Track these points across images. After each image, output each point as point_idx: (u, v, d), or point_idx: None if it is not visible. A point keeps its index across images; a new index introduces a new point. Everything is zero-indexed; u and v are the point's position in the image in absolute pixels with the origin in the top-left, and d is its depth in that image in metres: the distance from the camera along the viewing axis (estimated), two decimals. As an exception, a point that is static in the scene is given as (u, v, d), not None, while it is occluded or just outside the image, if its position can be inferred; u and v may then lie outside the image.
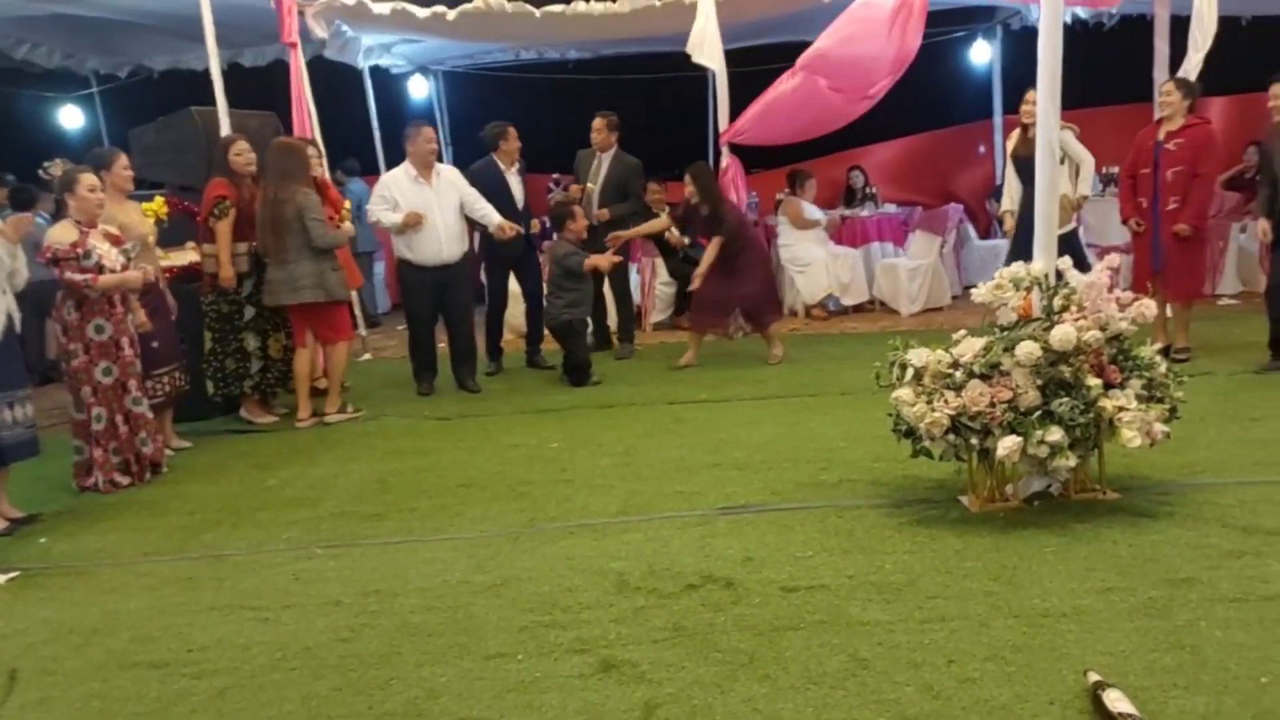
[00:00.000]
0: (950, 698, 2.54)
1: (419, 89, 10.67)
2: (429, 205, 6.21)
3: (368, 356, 7.92)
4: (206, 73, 6.83)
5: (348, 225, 6.17)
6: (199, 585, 3.61)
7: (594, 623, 3.09)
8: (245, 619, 3.29)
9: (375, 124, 9.37)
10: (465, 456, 5.05)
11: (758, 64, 8.46)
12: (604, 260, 6.50)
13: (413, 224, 6.15)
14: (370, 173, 8.92)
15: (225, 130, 6.54)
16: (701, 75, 8.64)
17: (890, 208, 9.63)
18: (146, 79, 9.61)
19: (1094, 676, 2.49)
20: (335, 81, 8.87)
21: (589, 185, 7.28)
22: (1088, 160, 6.31)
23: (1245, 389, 5.35)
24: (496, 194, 6.73)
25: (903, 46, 6.74)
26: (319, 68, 8.16)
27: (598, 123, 7.24)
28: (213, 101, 6.63)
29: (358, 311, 8.03)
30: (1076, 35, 8.13)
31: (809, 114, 7.35)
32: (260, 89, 8.04)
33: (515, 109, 8.07)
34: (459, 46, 9.94)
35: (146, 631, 3.24)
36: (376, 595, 3.40)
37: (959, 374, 3.68)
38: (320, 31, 7.22)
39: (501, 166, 6.94)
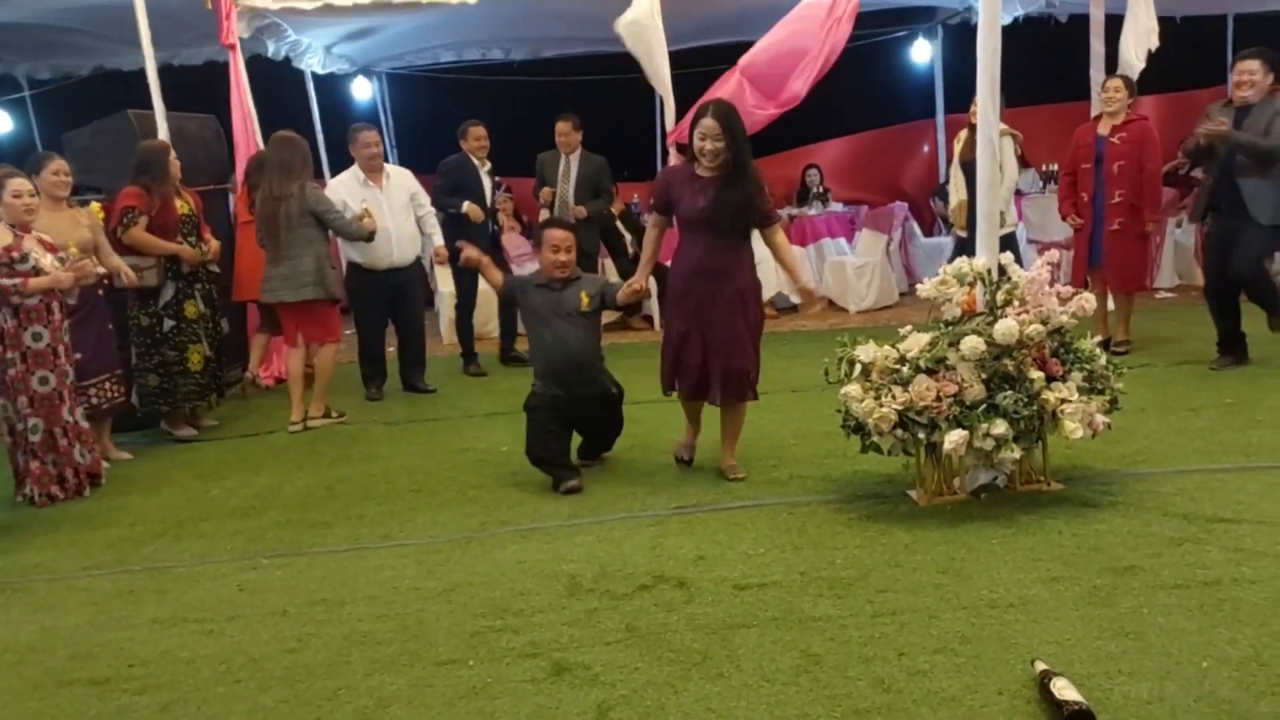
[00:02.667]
0: (901, 690, 2.56)
1: (362, 91, 10.54)
2: (378, 208, 6.13)
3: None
4: (140, 74, 6.67)
5: (370, 220, 5.88)
6: (140, 599, 3.52)
7: (546, 626, 3.06)
8: (189, 632, 3.21)
9: (318, 127, 9.24)
10: (415, 461, 4.99)
11: (705, 65, 8.50)
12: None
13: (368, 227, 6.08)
14: (314, 176, 8.78)
15: (163, 133, 6.40)
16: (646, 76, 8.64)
17: (838, 206, 9.72)
18: (79, 82, 9.38)
19: (1041, 666, 2.52)
20: (276, 83, 8.73)
21: (561, 186, 7.22)
22: (1010, 175, 6.40)
23: (1183, 380, 5.47)
24: (469, 187, 6.74)
25: (824, 52, 6.72)
26: (258, 69, 8.01)
27: (565, 125, 7.20)
28: (148, 104, 6.48)
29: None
30: (1015, 34, 8.26)
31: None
32: (196, 91, 7.87)
33: (460, 110, 7.98)
34: (403, 45, 9.84)
35: (85, 648, 3.15)
36: (324, 604, 3.35)
37: (906, 369, 3.71)
38: (242, 31, 7.07)
39: (475, 161, 6.88)
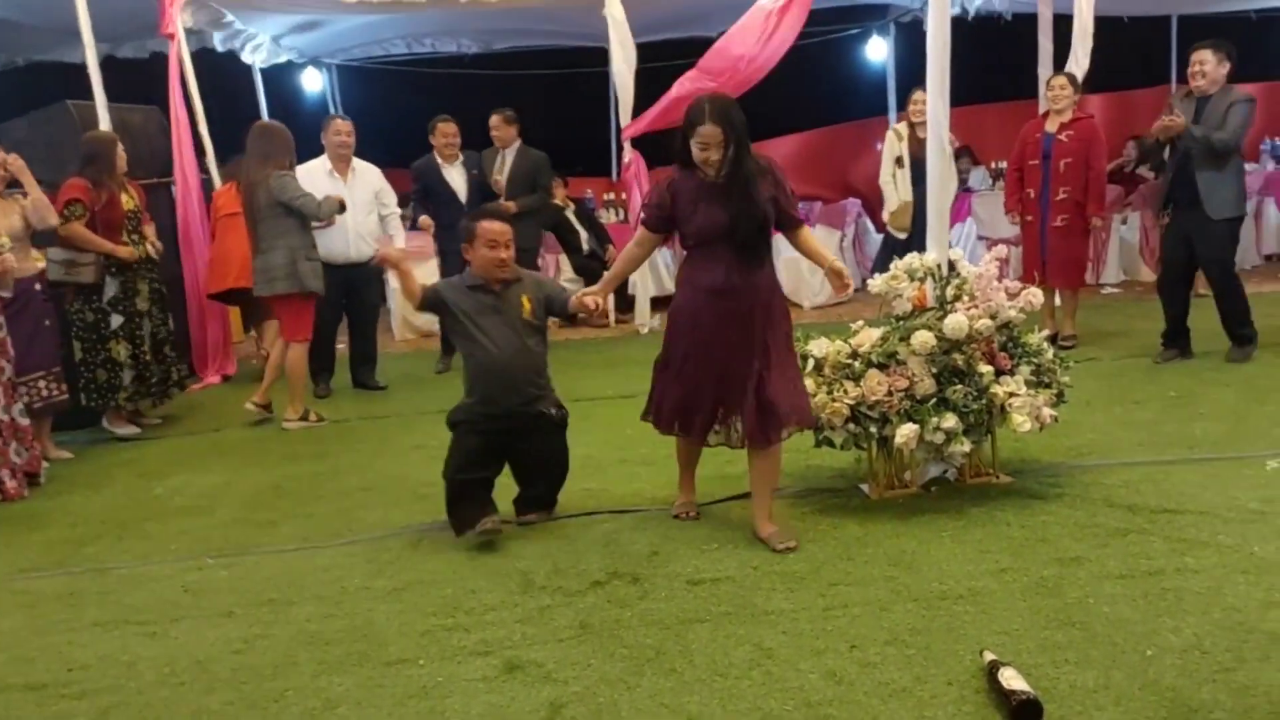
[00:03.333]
0: (853, 683, 2.57)
1: (312, 82, 10.38)
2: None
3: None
4: (81, 65, 6.51)
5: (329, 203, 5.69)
6: (81, 601, 3.43)
7: (498, 624, 3.04)
8: (131, 634, 3.14)
9: (266, 119, 9.08)
10: (364, 459, 4.92)
11: (662, 60, 8.50)
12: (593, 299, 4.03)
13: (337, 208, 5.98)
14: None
15: (105, 125, 6.25)
16: (603, 71, 8.62)
17: (791, 202, 9.76)
18: (14, 70, 9.12)
19: (989, 656, 2.55)
20: (223, 75, 8.57)
21: (495, 179, 7.15)
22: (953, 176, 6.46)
23: (1128, 374, 5.57)
24: (435, 189, 6.68)
25: (770, 48, 6.73)
26: (205, 61, 7.87)
27: (497, 119, 7.14)
28: (88, 95, 6.32)
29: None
30: (964, 33, 8.35)
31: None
32: (140, 82, 7.70)
33: (412, 103, 7.91)
34: (353, 38, 9.71)
35: (23, 652, 3.06)
36: (271, 605, 3.29)
37: (858, 364, 3.73)
38: (187, 20, 6.94)
39: (439, 160, 6.78)
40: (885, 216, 7.40)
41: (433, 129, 6.78)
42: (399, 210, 6.47)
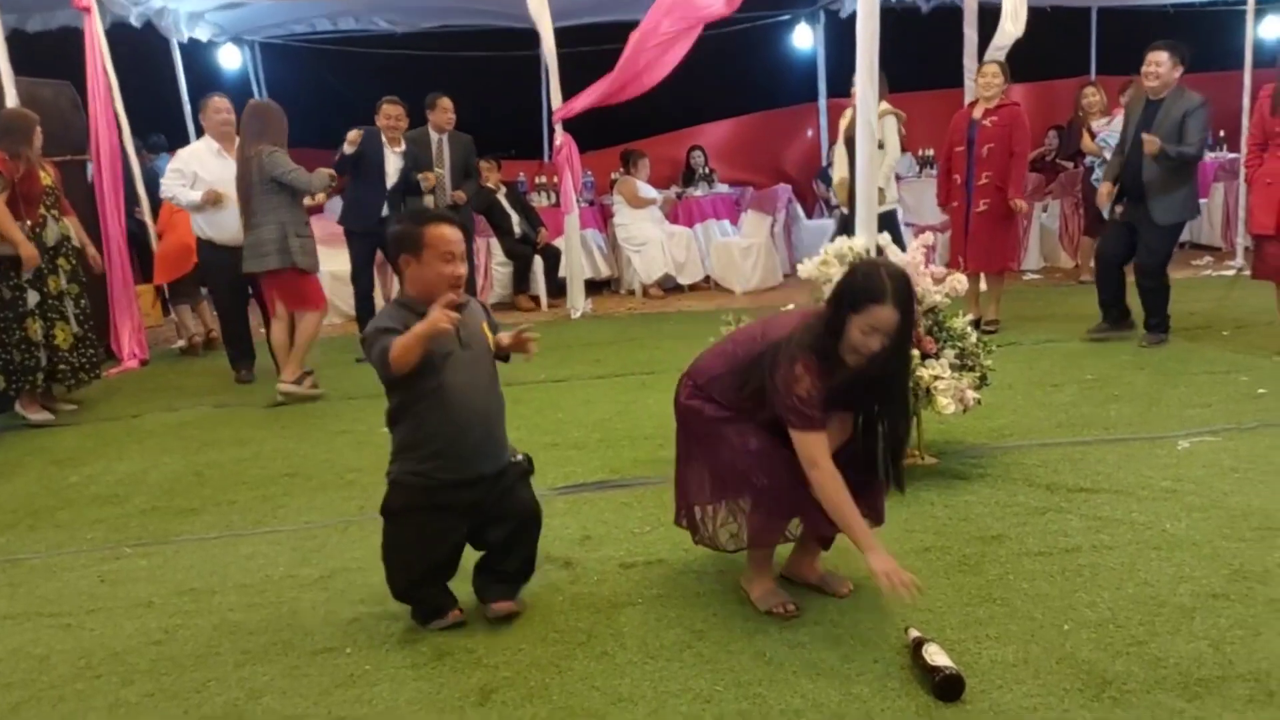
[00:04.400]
0: (782, 663, 2.60)
1: (232, 60, 10.09)
2: (230, 181, 5.89)
3: (182, 344, 7.46)
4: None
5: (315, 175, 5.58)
6: (-10, 594, 3.31)
7: (428, 610, 3.00)
8: (44, 627, 3.04)
9: (185, 97, 8.82)
10: (289, 445, 4.82)
11: (589, 44, 8.45)
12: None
13: (211, 201, 5.84)
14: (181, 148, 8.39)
15: (11, 100, 6.00)
16: (533, 53, 8.55)
17: (724, 187, 9.81)
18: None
19: (914, 633, 2.60)
20: (141, 51, 8.28)
21: (438, 171, 6.98)
22: (892, 152, 6.52)
23: (1047, 357, 5.71)
24: (370, 163, 6.48)
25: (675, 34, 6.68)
26: (122, 36, 7.61)
27: (447, 101, 7.02)
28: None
29: (167, 295, 7.56)
30: (893, 22, 8.46)
31: (645, 59, 7.22)
32: (51, 57, 7.40)
33: (338, 83, 7.74)
34: (276, 15, 9.47)
35: (-73, 648, 2.95)
36: (192, 594, 3.21)
37: (787, 348, 3.75)
38: None
39: (383, 140, 6.60)
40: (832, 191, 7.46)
41: (378, 109, 6.59)
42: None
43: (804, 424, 2.58)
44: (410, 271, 2.74)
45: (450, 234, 2.73)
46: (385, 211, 6.51)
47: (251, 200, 5.46)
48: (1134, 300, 5.99)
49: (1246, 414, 4.43)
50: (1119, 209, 5.90)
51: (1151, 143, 5.44)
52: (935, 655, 2.47)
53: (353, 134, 6.35)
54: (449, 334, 2.68)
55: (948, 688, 2.39)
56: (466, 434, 2.77)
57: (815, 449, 2.59)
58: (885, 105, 6.12)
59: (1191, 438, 4.14)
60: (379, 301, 6.95)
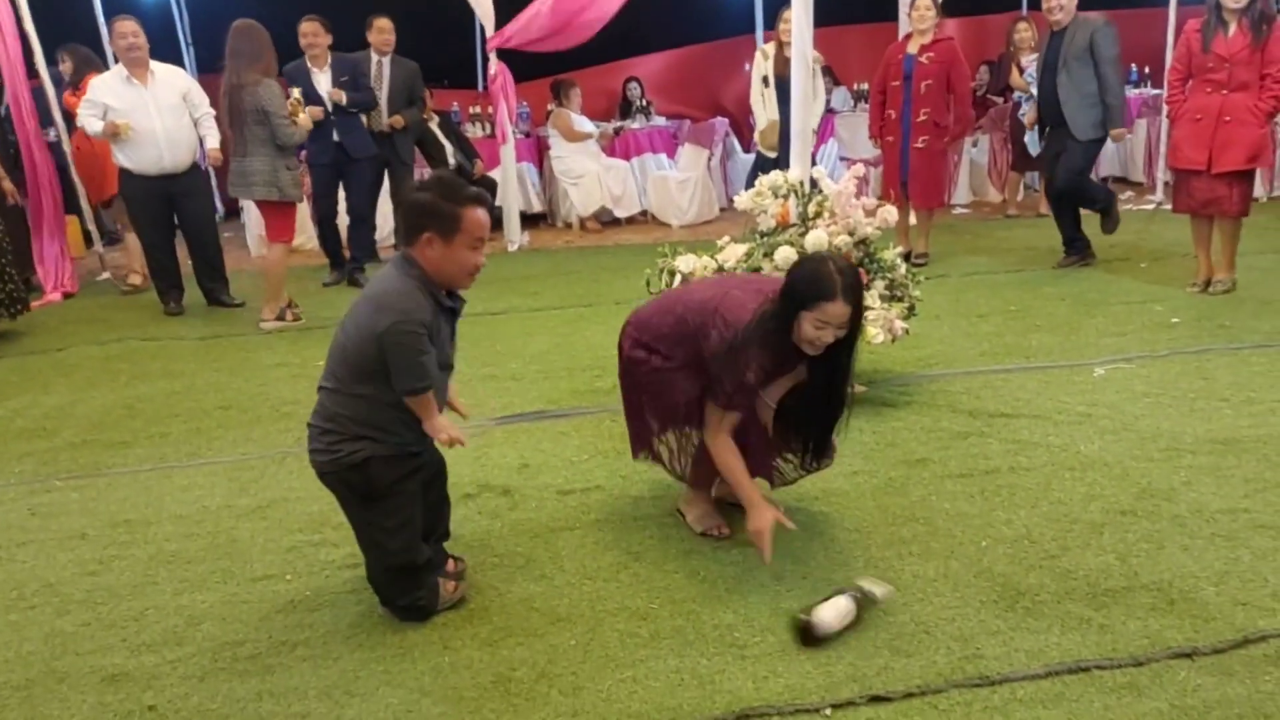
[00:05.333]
0: (715, 581, 2.70)
1: (152, -19, 9.66)
2: (144, 108, 5.70)
3: (106, 276, 7.26)
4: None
5: (304, 118, 5.57)
6: (-85, 529, 3.25)
7: (367, 537, 3.03)
8: (-27, 560, 3.01)
9: (100, 18, 8.44)
10: (223, 378, 4.77)
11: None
12: None
13: (111, 133, 5.66)
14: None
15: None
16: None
17: (661, 120, 9.74)
18: None
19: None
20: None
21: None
22: (819, 99, 6.59)
23: (974, 289, 5.86)
24: (312, 99, 6.24)
25: None
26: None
27: (385, 23, 6.81)
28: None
29: (91, 227, 7.33)
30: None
31: (574, 8, 7.14)
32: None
33: (264, 7, 7.44)
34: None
35: None
36: (127, 525, 3.19)
37: (722, 278, 3.81)
38: None
39: (309, 65, 6.41)
40: (755, 136, 7.47)
41: (300, 30, 6.42)
42: (211, 110, 5.99)
43: (726, 404, 2.69)
44: (433, 251, 2.47)
45: (485, 219, 2.52)
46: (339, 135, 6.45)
47: (244, 129, 5.36)
48: (1036, 239, 6.18)
49: (1160, 342, 4.62)
50: (1042, 143, 6.09)
51: (1119, 136, 5.85)
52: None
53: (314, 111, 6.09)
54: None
55: (806, 634, 2.39)
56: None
57: (723, 423, 2.72)
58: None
59: (1107, 365, 4.31)
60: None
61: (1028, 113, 6.19)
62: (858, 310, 2.58)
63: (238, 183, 5.50)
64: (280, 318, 5.68)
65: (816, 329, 2.55)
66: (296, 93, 5.66)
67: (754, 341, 2.60)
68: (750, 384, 2.65)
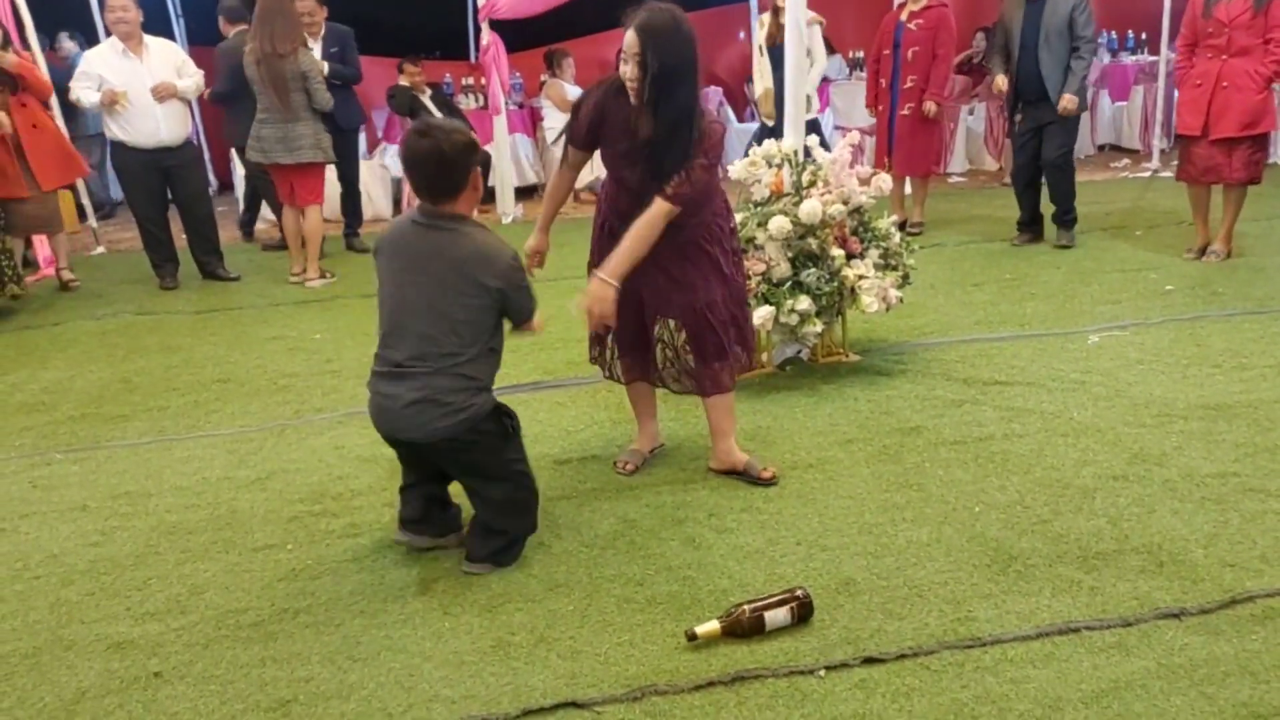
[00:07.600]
0: (710, 547, 2.73)
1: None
2: (139, 81, 5.68)
3: (101, 250, 7.25)
4: None
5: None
6: (-83, 502, 3.28)
7: (367, 509, 3.06)
8: (-25, 533, 3.03)
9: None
10: (220, 351, 4.78)
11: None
12: None
13: (108, 103, 5.64)
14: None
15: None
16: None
17: (654, 90, 9.69)
18: None
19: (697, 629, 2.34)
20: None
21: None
22: (820, 61, 6.51)
23: (969, 258, 5.87)
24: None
25: None
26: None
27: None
28: None
29: (85, 200, 7.31)
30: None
31: None
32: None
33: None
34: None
35: None
36: (128, 497, 3.22)
37: (717, 248, 3.81)
38: None
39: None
40: (754, 104, 7.44)
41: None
42: (201, 73, 6.05)
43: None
44: (468, 194, 2.66)
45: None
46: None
47: (292, 94, 5.62)
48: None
49: (1154, 310, 4.64)
50: (1019, 119, 6.01)
51: (1068, 103, 5.68)
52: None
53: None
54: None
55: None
56: None
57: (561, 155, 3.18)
58: (811, 14, 6.08)
59: (1101, 332, 4.34)
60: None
61: (995, 82, 6.06)
62: (646, 49, 2.72)
63: (282, 148, 5.71)
64: (322, 275, 6.02)
65: (623, 63, 2.82)
66: None
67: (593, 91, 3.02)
68: (582, 116, 3.01)
